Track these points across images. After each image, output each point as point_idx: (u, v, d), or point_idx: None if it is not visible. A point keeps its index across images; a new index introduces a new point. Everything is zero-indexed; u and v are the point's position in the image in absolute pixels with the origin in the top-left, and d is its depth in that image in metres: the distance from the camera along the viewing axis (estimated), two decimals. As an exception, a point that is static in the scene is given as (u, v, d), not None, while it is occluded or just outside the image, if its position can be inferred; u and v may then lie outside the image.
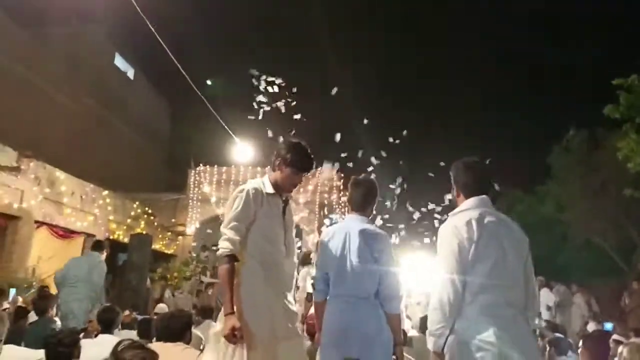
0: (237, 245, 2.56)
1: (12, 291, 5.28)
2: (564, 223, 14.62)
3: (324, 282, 3.07)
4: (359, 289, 2.89)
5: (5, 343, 3.26)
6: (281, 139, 2.98)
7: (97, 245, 6.44)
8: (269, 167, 2.90)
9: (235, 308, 2.49)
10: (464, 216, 2.45)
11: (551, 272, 11.61)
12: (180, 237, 15.47)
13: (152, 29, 6.77)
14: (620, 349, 3.48)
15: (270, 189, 2.74)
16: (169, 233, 15.09)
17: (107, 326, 4.23)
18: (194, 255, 13.78)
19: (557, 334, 5.38)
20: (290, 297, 2.78)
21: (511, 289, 2.36)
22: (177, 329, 3.35)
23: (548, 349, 4.55)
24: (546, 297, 10.54)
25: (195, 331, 5.52)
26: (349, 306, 2.88)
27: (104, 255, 6.16)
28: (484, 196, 2.55)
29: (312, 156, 2.83)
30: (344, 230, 3.02)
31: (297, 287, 9.54)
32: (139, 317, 6.14)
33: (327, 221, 15.34)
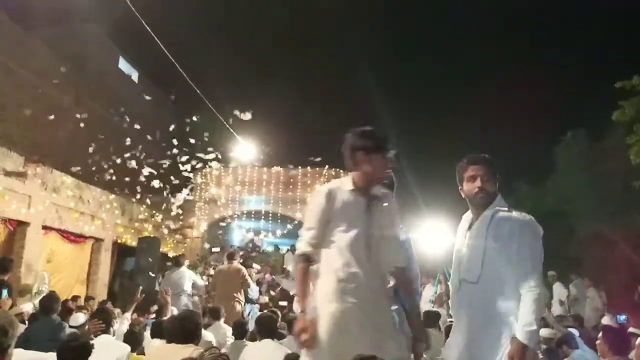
0: (310, 246, 2.43)
1: (4, 293, 5.24)
2: (571, 216, 14.58)
3: None
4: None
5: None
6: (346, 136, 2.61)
7: None
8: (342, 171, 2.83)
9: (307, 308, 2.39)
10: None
11: (562, 266, 11.51)
12: (188, 240, 15.46)
13: (152, 34, 6.74)
14: (638, 341, 3.42)
15: (349, 186, 2.52)
16: (177, 235, 15.08)
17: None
18: (202, 257, 13.79)
19: (566, 329, 5.33)
20: (376, 315, 2.42)
21: None
22: (188, 330, 3.33)
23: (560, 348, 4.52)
24: (559, 292, 10.45)
25: (206, 332, 5.52)
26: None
27: None
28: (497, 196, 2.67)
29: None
30: None
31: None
32: (147, 321, 6.12)
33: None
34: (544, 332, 5.30)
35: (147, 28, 7.16)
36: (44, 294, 8.37)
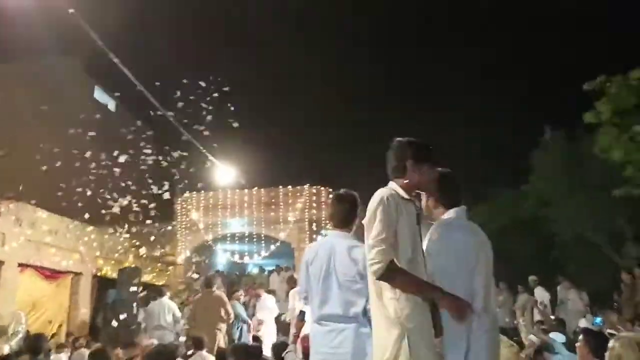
0: (390, 252, 2.24)
1: None
2: (551, 220, 14.73)
3: (307, 301, 3.06)
4: (346, 309, 2.82)
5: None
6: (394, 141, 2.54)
7: None
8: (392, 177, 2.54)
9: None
10: (456, 227, 2.55)
11: (543, 269, 11.61)
12: (170, 267, 15.27)
13: (122, 67, 6.74)
14: (611, 343, 3.44)
15: (405, 194, 2.44)
16: (159, 264, 14.88)
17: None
18: (186, 284, 13.61)
19: (543, 337, 5.37)
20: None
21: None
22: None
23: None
24: (541, 296, 10.52)
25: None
26: (334, 330, 2.82)
27: None
28: (463, 207, 2.65)
29: None
30: (328, 247, 2.98)
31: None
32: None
33: (319, 237, 15.33)
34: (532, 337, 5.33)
35: (119, 63, 7.15)
36: (21, 335, 8.20)
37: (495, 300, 2.67)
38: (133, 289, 10.78)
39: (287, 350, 5.02)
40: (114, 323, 10.39)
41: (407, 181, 2.45)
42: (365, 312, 2.79)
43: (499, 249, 2.74)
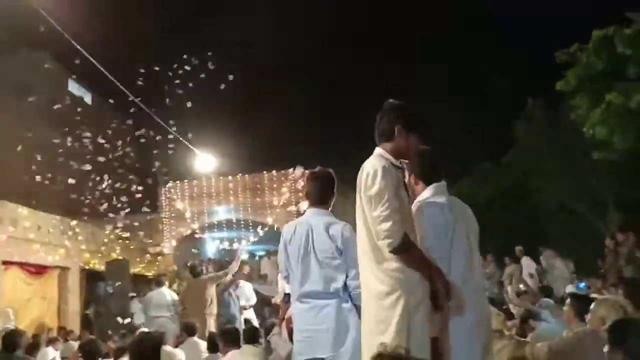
0: (402, 225, 2.18)
1: None
2: (534, 189, 14.93)
3: (290, 281, 3.07)
4: (326, 285, 2.82)
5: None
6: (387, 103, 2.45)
7: None
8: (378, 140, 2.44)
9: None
10: (433, 204, 2.53)
11: (529, 239, 11.78)
12: (159, 258, 15.19)
13: (92, 59, 6.59)
14: (593, 305, 3.51)
15: (395, 161, 2.37)
16: (147, 255, 14.80)
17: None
18: (177, 271, 13.57)
19: (529, 305, 5.48)
20: None
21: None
22: (148, 351, 3.26)
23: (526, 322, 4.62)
24: (528, 265, 10.70)
25: (177, 350, 5.42)
26: (316, 307, 2.83)
27: None
28: (443, 183, 2.63)
29: None
30: (305, 225, 2.97)
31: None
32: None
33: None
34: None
35: (87, 54, 6.99)
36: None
37: (481, 272, 2.69)
38: (122, 280, 10.75)
39: (272, 333, 5.05)
40: (106, 316, 10.39)
41: (393, 146, 2.38)
42: (346, 287, 2.80)
43: (485, 222, 2.76)
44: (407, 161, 2.53)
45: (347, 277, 2.80)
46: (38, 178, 13.53)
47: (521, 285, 8.82)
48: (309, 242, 2.90)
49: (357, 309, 2.74)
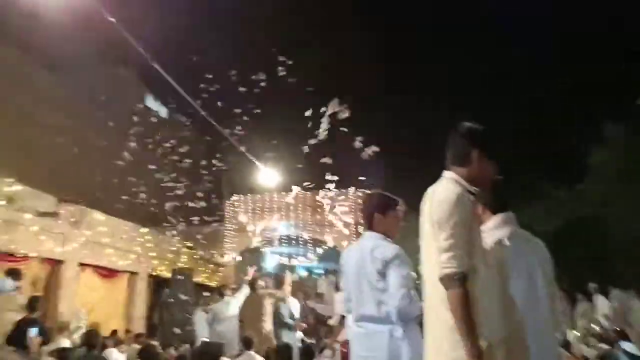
0: (466, 261, 2.04)
1: (34, 331, 5.38)
2: (610, 222, 13.89)
3: (348, 303, 3.09)
4: (377, 308, 2.83)
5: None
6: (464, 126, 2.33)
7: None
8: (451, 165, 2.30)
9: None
10: (494, 235, 2.42)
11: (603, 275, 10.98)
12: (221, 268, 15.61)
13: (168, 76, 6.96)
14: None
15: (470, 188, 2.23)
16: (211, 265, 15.25)
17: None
18: (236, 286, 13.84)
19: (604, 345, 5.10)
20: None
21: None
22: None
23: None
24: (602, 305, 9.96)
25: (234, 363, 5.52)
26: (366, 332, 2.86)
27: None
28: (510, 213, 2.54)
29: None
30: (359, 248, 3.02)
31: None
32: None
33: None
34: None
35: (164, 73, 7.40)
36: (82, 330, 8.61)
37: (552, 309, 2.49)
38: (186, 289, 11.14)
39: (324, 357, 5.02)
40: (168, 322, 10.78)
41: (468, 172, 2.24)
42: (398, 313, 2.73)
43: (555, 254, 2.60)
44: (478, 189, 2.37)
45: (397, 304, 2.74)
46: (114, 186, 14.43)
47: (594, 326, 8.22)
48: (361, 265, 2.93)
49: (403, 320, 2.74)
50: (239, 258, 14.89)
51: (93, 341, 5.38)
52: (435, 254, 2.12)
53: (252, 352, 6.21)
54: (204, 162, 13.92)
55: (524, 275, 2.35)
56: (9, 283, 4.90)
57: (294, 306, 8.81)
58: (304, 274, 17.94)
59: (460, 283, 2.00)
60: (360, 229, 14.90)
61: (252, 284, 7.46)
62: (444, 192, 2.17)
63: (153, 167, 14.76)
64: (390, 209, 3.08)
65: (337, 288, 7.56)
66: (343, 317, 6.71)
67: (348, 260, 3.06)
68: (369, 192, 3.28)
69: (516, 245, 2.40)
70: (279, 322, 7.89)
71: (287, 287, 8.44)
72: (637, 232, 13.01)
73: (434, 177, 2.34)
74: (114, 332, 9.96)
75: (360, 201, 15.20)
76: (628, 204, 13.04)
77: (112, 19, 5.65)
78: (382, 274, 2.80)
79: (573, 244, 13.13)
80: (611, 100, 15.80)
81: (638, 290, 10.05)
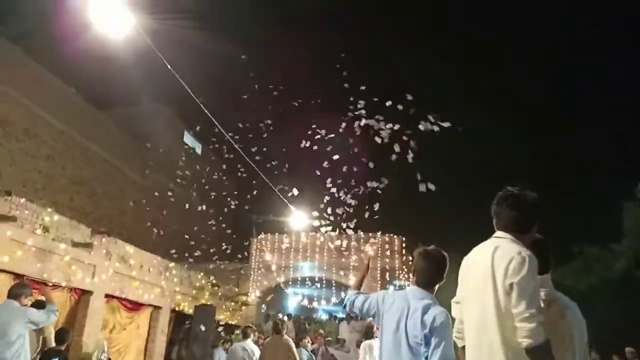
0: (545, 328, 2.07)
1: None
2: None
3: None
4: None
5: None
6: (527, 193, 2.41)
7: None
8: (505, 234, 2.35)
9: None
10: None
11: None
12: (243, 307, 15.54)
13: (212, 118, 7.23)
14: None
15: None
16: (232, 303, 15.21)
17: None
18: (256, 325, 13.73)
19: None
20: None
21: None
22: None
23: None
24: (639, 371, 9.46)
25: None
26: None
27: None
28: (546, 275, 2.50)
29: None
30: (405, 302, 2.90)
31: None
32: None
33: (391, 287, 14.98)
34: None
35: (206, 111, 7.68)
36: (104, 362, 8.66)
37: None
38: (208, 326, 11.11)
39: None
40: (188, 357, 10.72)
41: (528, 239, 2.32)
42: None
43: (588, 313, 2.54)
44: None
45: None
46: (145, 220, 14.75)
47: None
48: (402, 320, 2.83)
49: None
50: (260, 297, 14.86)
51: None
52: (493, 310, 2.14)
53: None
54: (234, 200, 14.18)
55: (567, 340, 2.29)
56: (53, 315, 4.87)
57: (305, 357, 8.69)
58: (325, 317, 17.68)
59: (549, 351, 2.03)
60: (387, 275, 14.73)
61: (277, 327, 7.37)
62: (517, 252, 2.18)
63: (185, 203, 15.04)
64: (445, 273, 3.00)
65: (370, 334, 7.39)
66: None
67: (391, 306, 2.95)
68: (433, 247, 3.05)
69: (555, 308, 2.37)
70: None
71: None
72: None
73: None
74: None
75: (387, 246, 15.09)
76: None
77: (161, 56, 5.92)
78: (427, 340, 2.70)
79: (608, 305, 12.63)
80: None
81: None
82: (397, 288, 14.81)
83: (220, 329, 13.39)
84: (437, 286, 2.98)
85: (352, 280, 14.70)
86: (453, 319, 2.71)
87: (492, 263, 2.22)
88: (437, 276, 2.95)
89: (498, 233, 2.38)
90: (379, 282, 14.57)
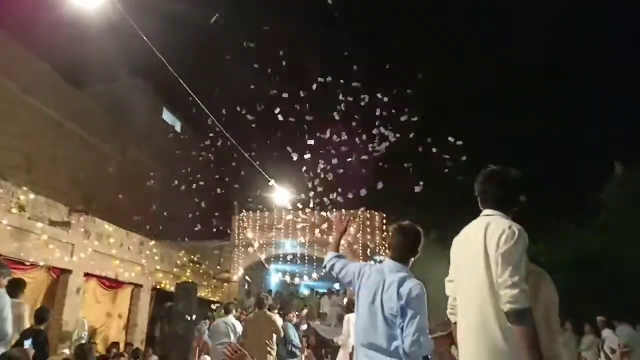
0: (528, 297, 2.14)
1: (27, 342, 5.26)
2: (620, 257, 13.78)
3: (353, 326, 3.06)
4: (389, 343, 2.76)
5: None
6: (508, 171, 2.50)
7: None
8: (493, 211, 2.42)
9: None
10: None
11: (612, 310, 10.82)
12: (225, 284, 15.59)
13: (190, 91, 7.09)
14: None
15: None
16: (214, 280, 15.24)
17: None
18: (239, 301, 13.81)
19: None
20: None
21: None
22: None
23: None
24: (610, 339, 9.81)
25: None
26: None
27: None
28: None
29: None
30: (381, 275, 2.94)
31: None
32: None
33: (371, 263, 15.17)
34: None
35: (185, 85, 7.53)
36: (84, 340, 8.62)
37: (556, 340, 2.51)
38: (189, 303, 11.11)
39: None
40: (170, 336, 10.74)
41: (515, 214, 2.41)
42: (408, 356, 2.70)
43: (563, 287, 2.60)
44: None
45: (409, 342, 2.69)
46: (125, 197, 14.56)
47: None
48: (379, 292, 2.87)
49: None
50: (243, 274, 14.90)
51: (86, 356, 5.30)
52: (486, 284, 2.21)
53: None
54: (213, 177, 14.06)
55: (542, 311, 2.34)
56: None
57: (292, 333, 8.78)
58: (307, 292, 17.87)
59: (531, 319, 2.09)
60: (368, 251, 14.89)
61: (260, 303, 7.39)
62: (507, 226, 2.26)
63: (165, 181, 14.87)
64: (419, 247, 3.06)
65: (348, 309, 7.46)
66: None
67: (368, 279, 2.98)
68: (407, 222, 3.09)
69: (532, 281, 2.40)
70: (286, 344, 7.83)
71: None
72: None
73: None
74: (115, 344, 9.98)
75: (368, 223, 15.22)
76: (637, 240, 12.95)
77: (136, 28, 5.74)
78: (403, 311, 2.75)
79: (581, 277, 13.02)
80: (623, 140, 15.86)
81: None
82: (377, 262, 14.99)
83: (204, 306, 13.43)
84: (412, 260, 3.03)
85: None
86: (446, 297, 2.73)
87: (485, 238, 2.28)
88: (411, 250, 3.01)
89: (487, 211, 2.46)
90: (360, 257, 14.68)
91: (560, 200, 16.90)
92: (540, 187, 16.30)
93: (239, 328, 8.26)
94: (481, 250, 2.27)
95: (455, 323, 2.55)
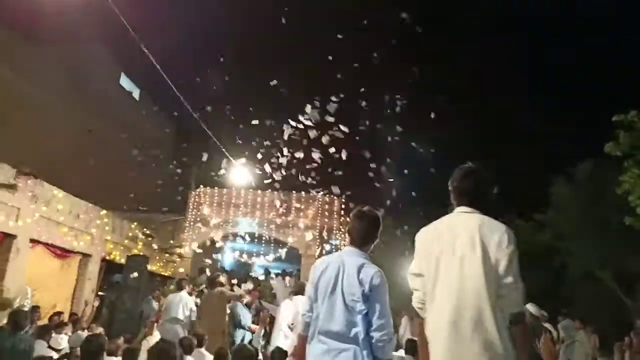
0: None
1: None
2: (563, 253, 14.47)
3: (307, 314, 3.00)
4: (347, 328, 2.74)
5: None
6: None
7: None
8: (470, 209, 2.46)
9: None
10: None
11: (553, 305, 11.37)
12: (177, 260, 15.32)
13: (151, 57, 6.81)
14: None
15: None
16: (167, 255, 14.94)
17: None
18: (191, 278, 13.59)
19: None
20: None
21: None
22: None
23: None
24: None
25: (188, 358, 5.41)
26: (328, 349, 2.75)
27: None
28: None
29: None
30: (338, 264, 2.91)
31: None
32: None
33: (327, 246, 15.26)
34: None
35: (146, 51, 7.22)
36: (26, 309, 8.26)
37: None
38: (139, 276, 10.86)
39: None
40: (118, 309, 10.48)
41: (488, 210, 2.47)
42: (367, 336, 2.71)
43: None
44: None
45: (371, 326, 2.72)
46: (76, 164, 13.97)
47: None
48: (338, 280, 2.84)
49: None
50: (199, 250, 14.62)
51: (20, 323, 5.02)
52: (482, 277, 2.22)
53: (202, 350, 6.10)
54: (172, 149, 13.71)
55: None
56: None
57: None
58: (261, 272, 17.81)
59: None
60: (325, 235, 14.96)
61: (213, 282, 7.29)
62: (504, 227, 2.32)
63: (120, 149, 14.34)
64: (379, 232, 3.06)
65: (296, 294, 7.44)
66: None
67: (324, 273, 2.93)
68: (367, 208, 3.09)
69: None
70: (235, 322, 7.80)
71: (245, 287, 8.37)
72: (588, 266, 13.55)
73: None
74: (59, 313, 9.62)
75: (327, 207, 15.27)
76: (584, 238, 13.56)
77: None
78: (366, 297, 2.73)
79: (526, 273, 13.59)
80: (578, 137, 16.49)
81: (582, 322, 10.46)
82: (332, 246, 15.12)
83: (155, 280, 13.15)
84: (371, 245, 3.04)
85: (290, 239, 14.81)
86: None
87: (481, 235, 2.28)
88: (370, 235, 3.01)
89: (463, 208, 2.45)
90: (317, 240, 14.78)
91: (511, 193, 17.46)
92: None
93: (191, 304, 8.15)
94: (478, 247, 2.26)
95: (423, 318, 2.46)
